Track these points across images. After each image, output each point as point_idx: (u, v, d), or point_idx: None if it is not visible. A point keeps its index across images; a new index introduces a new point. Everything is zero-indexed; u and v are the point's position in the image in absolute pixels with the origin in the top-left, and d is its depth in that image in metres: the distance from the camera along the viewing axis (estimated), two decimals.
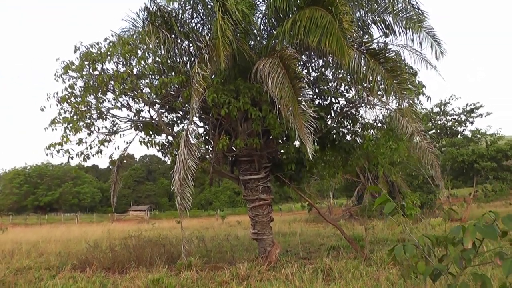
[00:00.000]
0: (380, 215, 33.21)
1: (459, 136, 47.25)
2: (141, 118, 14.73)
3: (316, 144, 15.86)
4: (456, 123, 48.69)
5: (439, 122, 49.19)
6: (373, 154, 16.76)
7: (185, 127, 11.92)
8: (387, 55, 12.41)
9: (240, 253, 16.03)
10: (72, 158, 13.46)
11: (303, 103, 10.32)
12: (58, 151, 13.15)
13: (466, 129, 48.15)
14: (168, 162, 16.85)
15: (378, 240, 19.12)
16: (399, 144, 16.98)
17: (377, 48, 12.70)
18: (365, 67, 12.11)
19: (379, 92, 13.77)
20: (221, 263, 14.18)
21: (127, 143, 15.56)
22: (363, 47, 12.01)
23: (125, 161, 16.30)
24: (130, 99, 14.32)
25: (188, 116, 12.86)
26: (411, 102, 12.96)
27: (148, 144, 14.19)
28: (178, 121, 16.08)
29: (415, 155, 34.83)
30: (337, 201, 58.99)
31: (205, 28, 14.52)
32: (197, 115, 14.99)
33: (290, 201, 77.70)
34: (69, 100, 13.28)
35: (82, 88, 13.59)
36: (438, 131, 49.03)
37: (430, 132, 45.73)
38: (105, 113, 14.16)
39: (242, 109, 12.73)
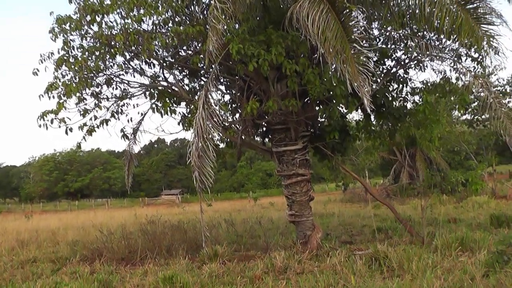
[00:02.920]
0: (418, 194, 31.40)
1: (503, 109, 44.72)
2: (157, 82, 12.61)
3: (359, 110, 13.56)
4: (501, 95, 46.01)
5: (481, 94, 46.60)
6: (426, 121, 14.45)
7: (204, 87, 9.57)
8: None
9: (275, 239, 13.85)
10: (71, 130, 11.27)
11: (356, 41, 7.93)
12: (51, 121, 11.01)
13: None
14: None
15: (427, 221, 16.74)
16: (461, 100, 14.61)
17: None
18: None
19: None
20: (253, 251, 12.08)
21: (141, 114, 13.59)
22: None
23: (138, 135, 14.17)
24: (143, 63, 12.23)
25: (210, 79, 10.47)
26: (491, 44, 10.36)
27: (162, 111, 11.98)
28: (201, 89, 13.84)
29: (456, 130, 32.77)
30: (371, 181, 56.74)
31: None
32: (221, 79, 12.82)
33: (322, 182, 75.87)
34: (66, 62, 11.09)
35: (82, 47, 11.40)
36: (481, 103, 46.55)
37: (473, 105, 43.82)
38: (114, 78, 12.08)
39: (275, 63, 10.19)
